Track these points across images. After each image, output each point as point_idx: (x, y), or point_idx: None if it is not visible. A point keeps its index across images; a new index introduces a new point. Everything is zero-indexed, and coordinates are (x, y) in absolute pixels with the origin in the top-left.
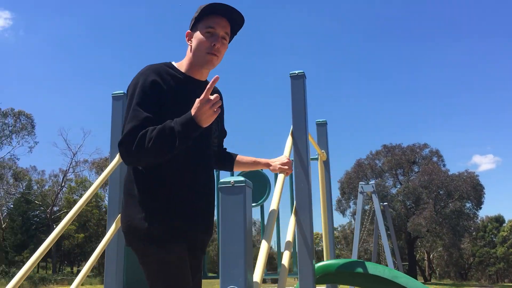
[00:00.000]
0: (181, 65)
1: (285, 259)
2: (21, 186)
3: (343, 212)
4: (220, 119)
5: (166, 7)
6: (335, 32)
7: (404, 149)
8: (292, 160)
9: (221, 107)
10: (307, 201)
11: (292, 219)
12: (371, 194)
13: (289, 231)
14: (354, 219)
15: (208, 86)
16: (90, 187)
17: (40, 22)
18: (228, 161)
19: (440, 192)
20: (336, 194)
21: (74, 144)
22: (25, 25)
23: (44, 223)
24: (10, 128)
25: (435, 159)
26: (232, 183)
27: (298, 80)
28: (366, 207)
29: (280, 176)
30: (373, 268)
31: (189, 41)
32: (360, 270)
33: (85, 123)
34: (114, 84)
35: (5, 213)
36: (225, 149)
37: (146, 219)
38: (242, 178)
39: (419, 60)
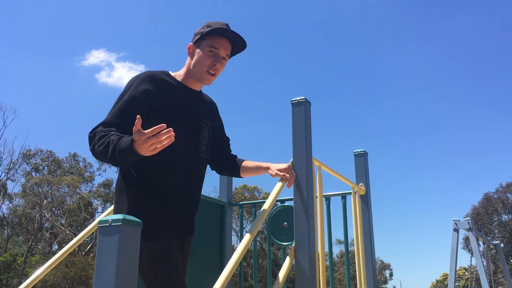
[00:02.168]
0: (178, 74)
1: None
2: None
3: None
4: (214, 128)
5: None
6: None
7: None
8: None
9: (216, 116)
10: (306, 240)
11: (287, 260)
12: (469, 232)
13: (281, 272)
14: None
15: (149, 131)
16: None
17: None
18: (234, 168)
19: None
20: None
21: None
22: None
23: None
24: None
25: None
26: (109, 223)
27: (299, 107)
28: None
29: (278, 185)
30: None
31: (191, 54)
32: None
33: None
34: None
35: None
36: (235, 156)
37: (130, 212)
38: (121, 217)
39: None
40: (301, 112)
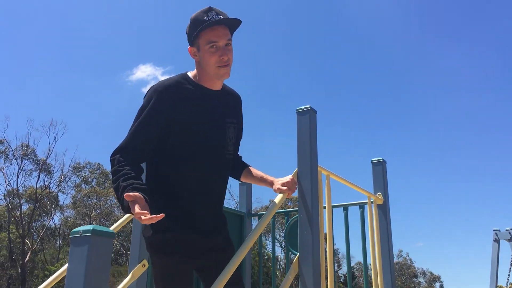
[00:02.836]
0: (195, 75)
1: None
2: None
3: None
4: (238, 125)
5: None
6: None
7: None
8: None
9: (239, 111)
10: (310, 252)
11: (291, 272)
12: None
13: (283, 285)
14: None
15: (138, 212)
16: None
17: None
18: (237, 169)
19: None
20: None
21: None
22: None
23: None
24: None
25: None
26: (80, 233)
27: (304, 116)
28: None
29: (278, 197)
30: None
31: (195, 57)
32: None
33: None
34: None
35: None
36: (240, 157)
37: (152, 228)
38: (91, 228)
39: None
40: (306, 120)
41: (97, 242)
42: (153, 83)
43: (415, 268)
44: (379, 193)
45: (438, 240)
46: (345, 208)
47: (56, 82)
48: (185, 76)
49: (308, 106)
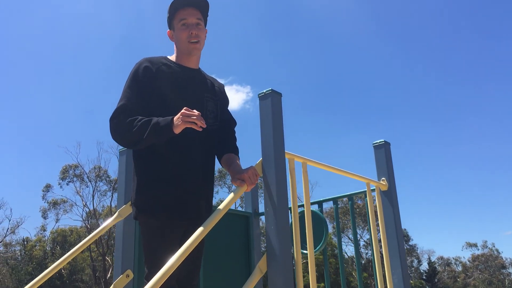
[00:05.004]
0: (172, 57)
1: None
2: None
3: None
4: (221, 103)
5: None
6: None
7: None
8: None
9: (223, 94)
10: (277, 249)
11: (256, 272)
12: None
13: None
14: None
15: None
16: None
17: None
18: (219, 150)
19: None
20: None
21: None
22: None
23: None
24: None
25: None
26: None
27: (266, 100)
28: None
29: (235, 190)
30: None
31: (172, 39)
32: None
33: None
34: None
35: None
36: (233, 138)
37: (137, 192)
38: None
39: None
40: (268, 104)
41: None
42: None
43: (502, 258)
44: (383, 178)
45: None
46: (350, 198)
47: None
48: (164, 57)
49: (270, 89)
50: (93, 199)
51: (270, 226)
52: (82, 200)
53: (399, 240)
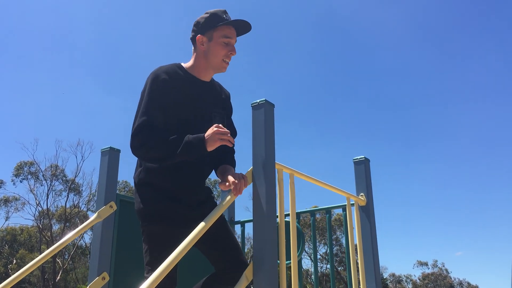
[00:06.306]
0: (189, 66)
1: None
2: None
3: None
4: (223, 116)
5: None
6: None
7: None
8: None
9: (228, 105)
10: (263, 259)
11: (242, 280)
12: None
13: None
14: None
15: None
16: None
17: None
18: (216, 165)
19: None
20: None
21: None
22: None
23: None
24: None
25: None
26: None
27: (259, 110)
28: None
29: (226, 198)
30: None
31: (202, 46)
32: None
33: None
34: None
35: None
36: (232, 151)
37: (141, 203)
38: None
39: None
40: (261, 115)
41: None
42: None
43: (451, 278)
44: (361, 194)
45: (478, 249)
46: (328, 211)
47: (84, 102)
48: (179, 66)
49: (264, 99)
50: (47, 199)
51: (257, 235)
52: (36, 199)
53: (375, 255)
